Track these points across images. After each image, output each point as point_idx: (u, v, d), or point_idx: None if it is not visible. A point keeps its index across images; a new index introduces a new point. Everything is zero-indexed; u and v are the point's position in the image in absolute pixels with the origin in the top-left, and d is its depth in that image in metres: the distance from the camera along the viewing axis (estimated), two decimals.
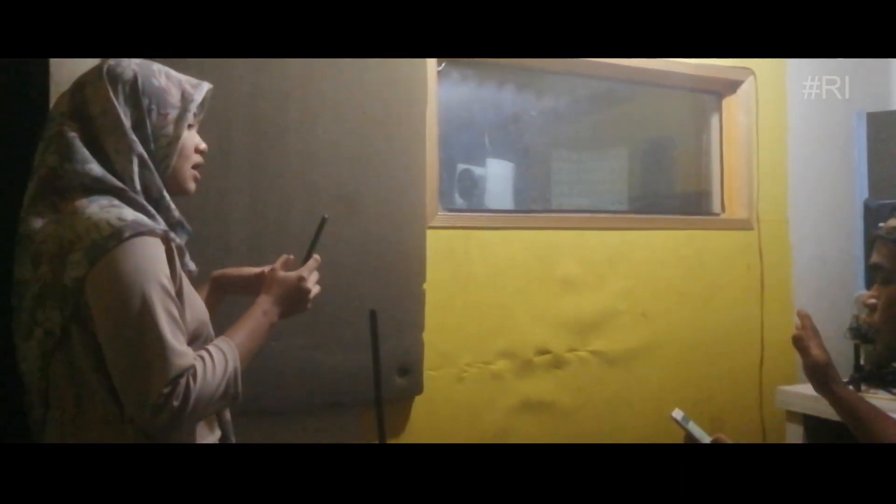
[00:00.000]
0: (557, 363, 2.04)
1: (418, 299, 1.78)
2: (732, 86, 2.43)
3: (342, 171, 1.69)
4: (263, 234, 1.60)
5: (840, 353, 1.90)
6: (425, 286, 1.80)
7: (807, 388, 2.12)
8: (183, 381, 0.96)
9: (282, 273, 1.21)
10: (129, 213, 1.00)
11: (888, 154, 2.36)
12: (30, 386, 1.04)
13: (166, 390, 0.94)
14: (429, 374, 1.83)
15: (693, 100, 2.52)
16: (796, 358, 2.42)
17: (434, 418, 1.84)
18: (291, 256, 1.25)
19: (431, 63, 1.87)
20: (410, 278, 1.77)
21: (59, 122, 1.05)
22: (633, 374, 2.15)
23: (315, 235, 1.26)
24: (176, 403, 0.94)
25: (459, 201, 2.14)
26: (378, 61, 1.73)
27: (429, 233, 1.83)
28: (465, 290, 1.92)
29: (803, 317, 1.19)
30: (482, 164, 2.21)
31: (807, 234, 2.46)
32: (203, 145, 1.17)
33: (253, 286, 1.23)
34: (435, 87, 1.89)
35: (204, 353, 1.03)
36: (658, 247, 2.22)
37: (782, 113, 2.47)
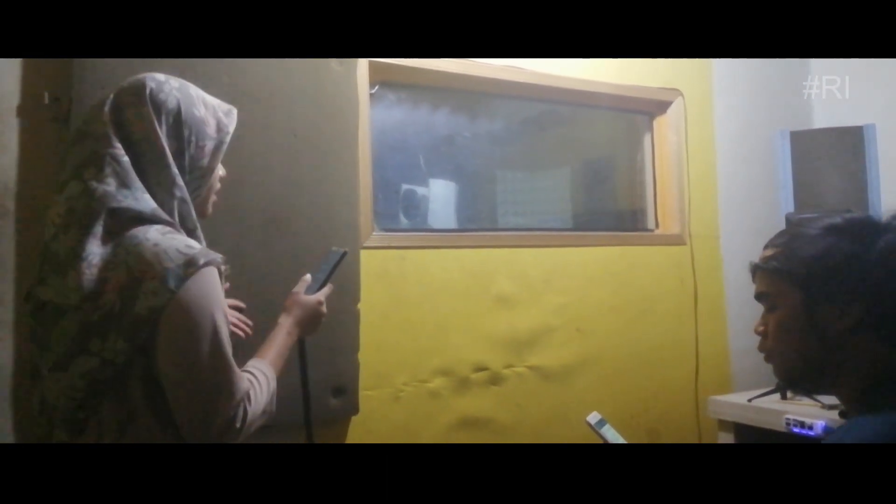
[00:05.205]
0: (494, 380, 2.06)
1: (353, 320, 1.79)
2: (662, 106, 2.52)
3: (272, 193, 1.69)
4: None
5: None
6: (360, 306, 1.81)
7: (737, 397, 2.19)
8: (243, 404, 1.01)
9: (303, 296, 1.29)
10: (192, 242, 1.01)
11: (810, 170, 2.46)
12: (54, 411, 0.99)
13: (231, 413, 0.98)
14: (365, 394, 1.83)
15: (627, 121, 2.60)
16: (730, 368, 2.51)
17: (371, 438, 1.84)
18: (309, 276, 1.33)
19: (364, 85, 1.90)
20: (344, 299, 1.78)
21: (108, 143, 1.00)
22: (569, 389, 2.19)
23: (334, 266, 1.36)
24: (237, 425, 1.00)
25: (404, 221, 2.17)
26: (309, 84, 1.75)
27: (363, 253, 1.85)
28: (401, 309, 1.93)
29: None
30: (425, 184, 2.24)
31: (737, 248, 2.54)
32: (224, 172, 1.17)
33: None
34: (367, 109, 1.92)
35: (250, 375, 1.08)
36: (592, 263, 2.28)
37: (710, 132, 2.57)
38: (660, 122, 2.55)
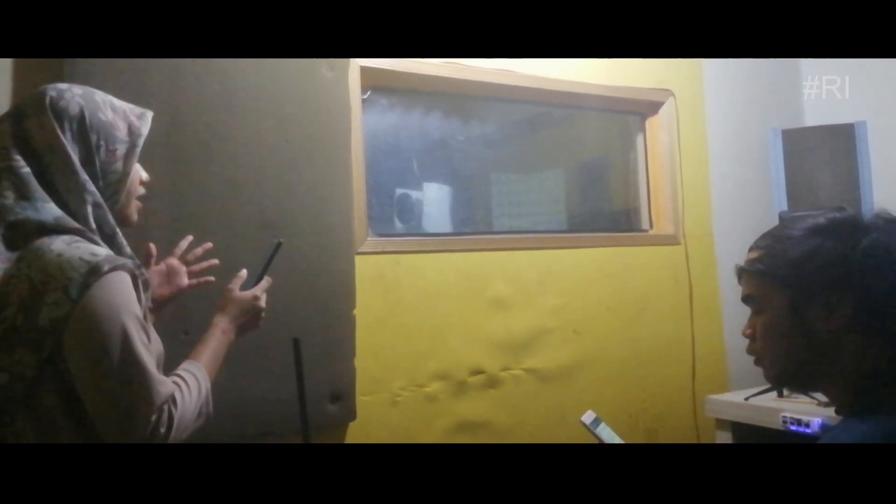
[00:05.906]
0: (492, 383, 2.06)
1: (348, 325, 1.79)
2: (654, 107, 2.52)
3: (266, 199, 1.69)
4: None
5: None
6: (355, 312, 1.80)
7: (734, 396, 2.19)
8: (167, 408, 0.99)
9: (237, 293, 1.26)
10: (99, 249, 1.00)
11: (803, 168, 2.47)
12: None
13: (154, 418, 0.97)
14: (362, 399, 1.83)
15: (620, 121, 2.61)
16: (727, 367, 2.51)
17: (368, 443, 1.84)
18: (244, 272, 1.30)
19: (355, 90, 1.90)
20: (340, 304, 1.78)
21: (5, 157, 1.00)
22: (567, 391, 2.18)
23: (269, 258, 1.33)
24: (162, 430, 0.98)
25: (399, 225, 2.16)
26: (301, 90, 1.74)
27: (358, 258, 1.84)
28: (397, 314, 1.93)
29: None
30: (419, 188, 2.24)
31: (731, 247, 2.54)
32: (146, 176, 1.17)
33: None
34: (360, 114, 1.92)
35: (177, 378, 1.06)
36: (588, 264, 2.28)
37: (702, 131, 2.57)
38: (652, 123, 2.55)
